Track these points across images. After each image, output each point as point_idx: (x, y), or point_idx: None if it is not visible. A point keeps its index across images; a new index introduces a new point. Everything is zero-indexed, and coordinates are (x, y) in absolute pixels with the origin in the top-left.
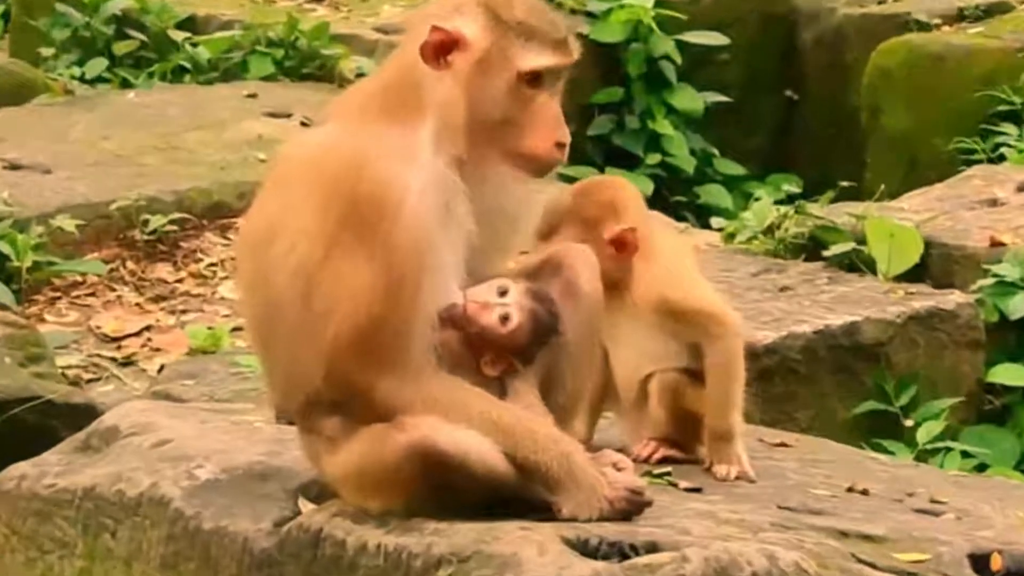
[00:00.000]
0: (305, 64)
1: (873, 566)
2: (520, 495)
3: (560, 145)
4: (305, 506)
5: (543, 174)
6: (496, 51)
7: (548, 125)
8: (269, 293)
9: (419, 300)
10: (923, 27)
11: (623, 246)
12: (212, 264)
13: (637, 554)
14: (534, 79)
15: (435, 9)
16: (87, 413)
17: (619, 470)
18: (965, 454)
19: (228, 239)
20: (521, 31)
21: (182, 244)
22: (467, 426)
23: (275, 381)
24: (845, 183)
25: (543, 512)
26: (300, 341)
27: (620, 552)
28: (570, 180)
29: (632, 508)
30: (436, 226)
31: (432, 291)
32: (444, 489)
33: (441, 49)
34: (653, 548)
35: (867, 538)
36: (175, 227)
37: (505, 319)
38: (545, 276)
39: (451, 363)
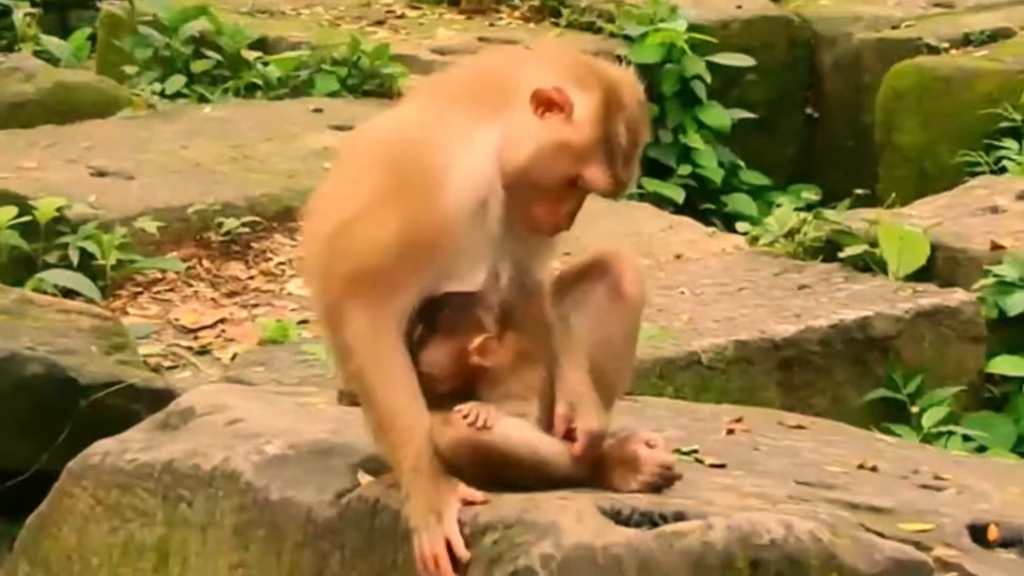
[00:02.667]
0: (366, 82)
1: (881, 535)
2: (570, 481)
3: (558, 229)
4: (364, 479)
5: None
6: (580, 143)
7: (560, 214)
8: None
9: (425, 267)
10: (933, 51)
11: None
12: (281, 263)
13: (666, 523)
14: (582, 185)
15: (563, 58)
16: (166, 397)
17: (651, 447)
18: (966, 438)
19: (295, 240)
20: (611, 147)
21: (253, 245)
22: (369, 398)
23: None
24: (860, 192)
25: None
26: None
27: (651, 521)
28: None
29: (662, 482)
30: (469, 210)
31: (441, 266)
32: (493, 476)
33: (548, 104)
34: (681, 517)
35: (875, 510)
36: (247, 229)
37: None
38: (592, 278)
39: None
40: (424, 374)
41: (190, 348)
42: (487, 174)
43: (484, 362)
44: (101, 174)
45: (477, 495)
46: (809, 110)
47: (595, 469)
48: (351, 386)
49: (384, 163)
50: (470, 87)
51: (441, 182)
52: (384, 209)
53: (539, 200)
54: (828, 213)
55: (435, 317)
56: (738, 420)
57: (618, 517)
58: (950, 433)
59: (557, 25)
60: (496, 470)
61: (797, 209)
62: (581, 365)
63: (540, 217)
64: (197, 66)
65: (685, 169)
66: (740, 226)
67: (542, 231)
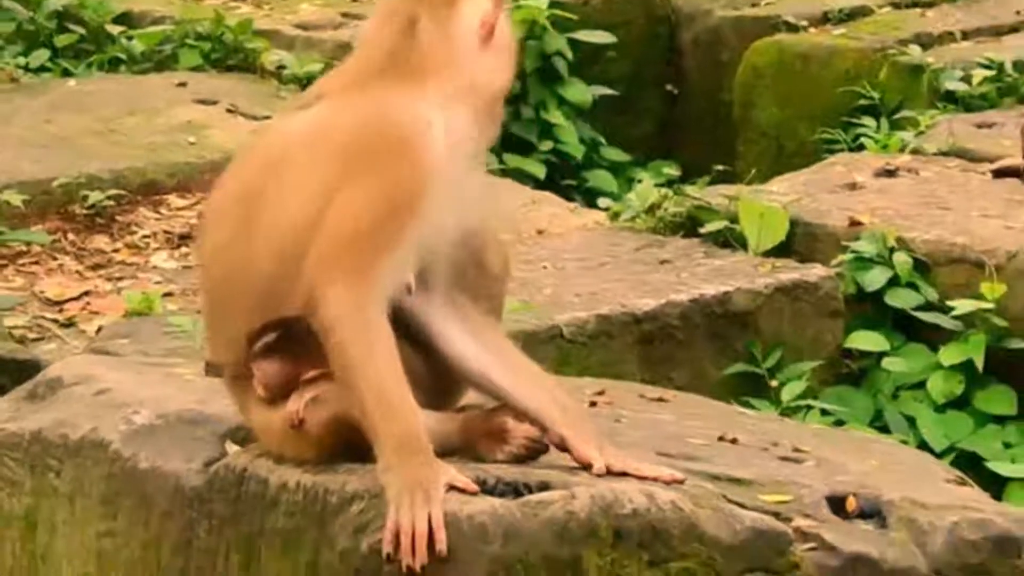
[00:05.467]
0: (230, 56)
1: (742, 506)
2: (436, 450)
3: None
4: (231, 448)
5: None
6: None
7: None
8: (244, 255)
9: (406, 230)
10: (792, 28)
11: None
12: (145, 236)
13: (531, 492)
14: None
15: None
16: (31, 368)
17: (519, 420)
18: (824, 412)
19: (160, 213)
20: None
21: (118, 218)
22: (355, 370)
23: (217, 340)
24: (719, 168)
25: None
26: (262, 299)
27: (515, 491)
28: None
29: (529, 454)
30: (444, 167)
31: (422, 228)
32: (363, 450)
33: (490, 31)
34: (545, 487)
35: (736, 481)
36: (112, 202)
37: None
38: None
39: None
40: (251, 379)
41: (55, 320)
42: (453, 126)
43: (312, 392)
44: None
45: (469, 484)
46: (669, 87)
47: (462, 439)
48: (332, 361)
49: (346, 145)
50: (384, 70)
51: (419, 144)
52: (361, 184)
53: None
54: (688, 189)
55: (289, 331)
56: (600, 393)
57: (483, 486)
58: (808, 407)
59: None
60: (364, 443)
61: (658, 185)
62: (543, 378)
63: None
64: (61, 40)
65: (546, 145)
66: (601, 202)
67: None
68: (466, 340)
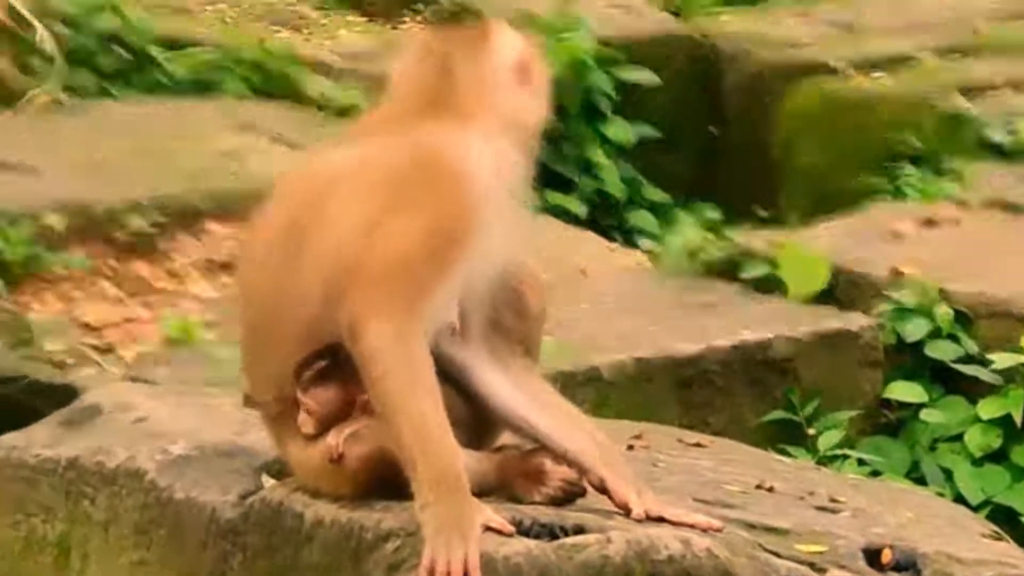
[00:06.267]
0: (273, 83)
1: (777, 555)
2: (473, 490)
3: None
4: (268, 482)
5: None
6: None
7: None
8: (288, 287)
9: (452, 264)
10: (834, 72)
11: None
12: (186, 263)
13: (566, 535)
14: None
15: (465, 37)
16: (69, 393)
17: (556, 463)
18: (861, 462)
19: (201, 241)
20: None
21: (159, 244)
22: (395, 404)
23: (257, 374)
24: (761, 212)
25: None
26: (307, 331)
27: (551, 533)
28: None
29: (566, 496)
30: (492, 205)
31: (467, 263)
32: (400, 487)
33: (524, 71)
34: (580, 530)
35: (772, 530)
36: (153, 228)
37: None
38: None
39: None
40: (303, 404)
41: (94, 346)
42: (496, 162)
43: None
44: (6, 168)
45: (506, 525)
46: (711, 128)
47: (499, 479)
48: (372, 394)
49: (392, 179)
50: (422, 110)
51: (464, 179)
52: (408, 215)
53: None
54: (730, 233)
55: (337, 358)
56: (637, 436)
57: (519, 528)
58: (845, 456)
59: None
60: (400, 481)
61: (699, 227)
62: (583, 420)
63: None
64: (105, 63)
65: (588, 184)
66: (642, 243)
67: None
68: (504, 383)
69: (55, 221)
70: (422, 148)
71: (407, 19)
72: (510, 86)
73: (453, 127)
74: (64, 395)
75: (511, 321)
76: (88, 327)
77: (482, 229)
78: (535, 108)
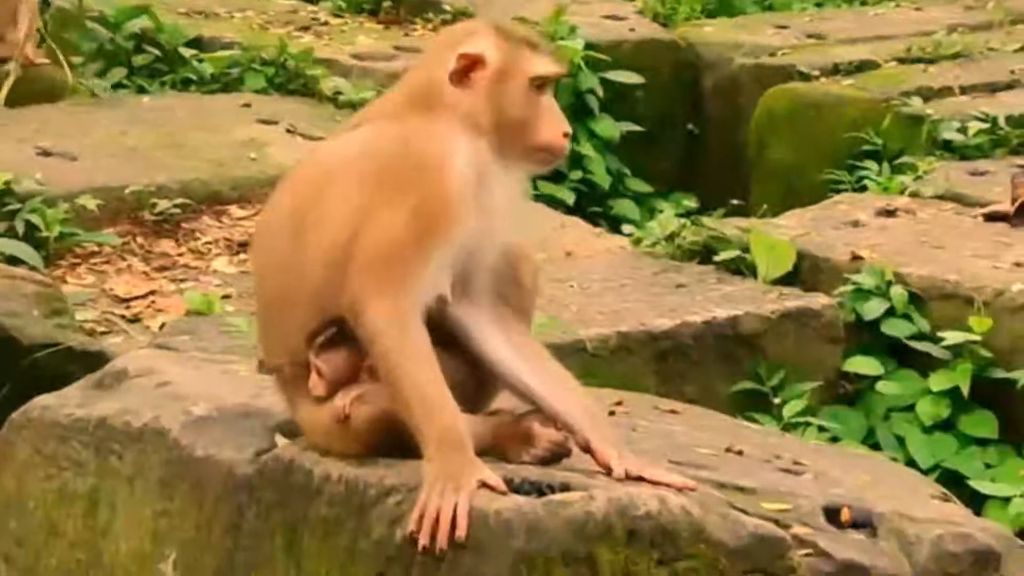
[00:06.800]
0: (292, 81)
1: (745, 512)
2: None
3: (566, 134)
4: (280, 441)
5: (555, 162)
6: (510, 63)
7: (556, 119)
8: (295, 265)
9: (440, 247)
10: (805, 77)
11: None
12: (208, 242)
13: (553, 492)
14: (541, 84)
15: (451, 37)
16: (99, 359)
17: (544, 426)
18: (822, 428)
19: (222, 222)
20: (527, 45)
21: (183, 225)
22: (397, 375)
23: (271, 342)
24: (735, 202)
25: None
26: (314, 304)
27: (538, 490)
28: None
29: (553, 457)
30: (470, 189)
31: (453, 246)
32: (403, 447)
33: (466, 71)
34: (566, 488)
35: (741, 490)
36: (178, 210)
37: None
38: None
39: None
40: (315, 367)
41: (123, 316)
42: (475, 151)
43: (358, 390)
44: (47, 154)
45: (500, 484)
46: (690, 126)
47: (492, 441)
48: (376, 366)
49: (381, 171)
50: (411, 103)
51: (443, 168)
52: (394, 205)
53: (532, 129)
54: (705, 220)
55: (346, 325)
56: (618, 403)
57: (510, 485)
58: (807, 424)
59: None
60: (404, 440)
61: (677, 215)
62: (574, 385)
63: (549, 136)
64: (138, 60)
65: (576, 174)
66: (625, 228)
67: (561, 145)
68: (506, 346)
69: (89, 202)
70: (406, 139)
71: (418, 25)
72: (452, 90)
73: (439, 120)
74: (95, 361)
75: (509, 292)
76: (118, 299)
77: (463, 213)
78: (488, 111)
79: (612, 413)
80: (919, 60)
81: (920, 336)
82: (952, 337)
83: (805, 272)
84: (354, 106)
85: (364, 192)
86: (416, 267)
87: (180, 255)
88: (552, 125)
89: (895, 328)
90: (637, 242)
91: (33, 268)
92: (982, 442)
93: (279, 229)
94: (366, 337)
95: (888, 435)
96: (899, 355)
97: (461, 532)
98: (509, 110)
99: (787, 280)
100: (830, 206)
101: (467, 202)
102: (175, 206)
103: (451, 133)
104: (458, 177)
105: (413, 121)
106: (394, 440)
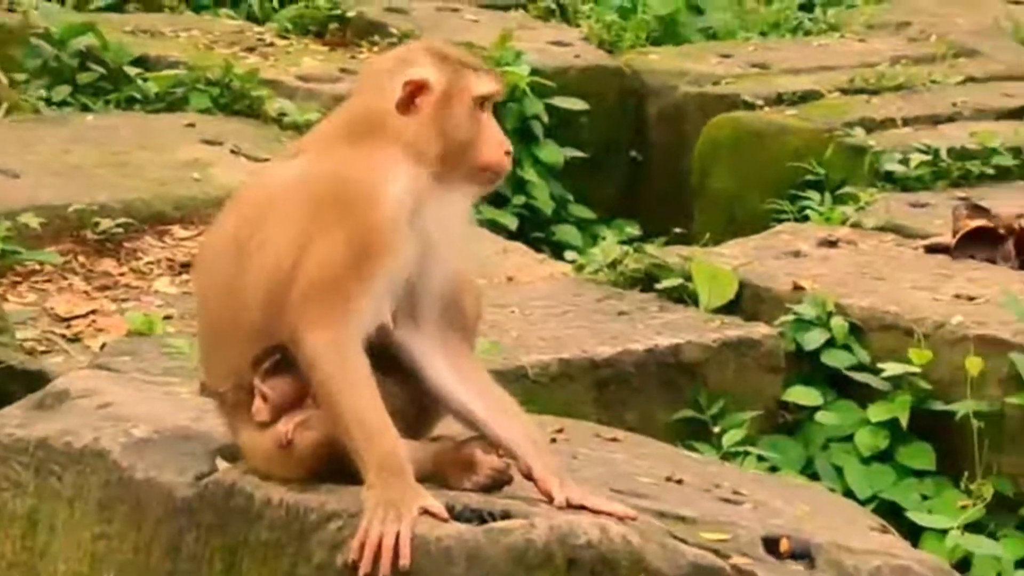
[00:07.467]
0: (237, 102)
1: (685, 542)
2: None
3: (508, 152)
4: (221, 465)
5: (497, 182)
6: (452, 85)
7: (497, 138)
8: (238, 290)
9: (377, 276)
10: (749, 107)
11: None
12: (150, 262)
13: (494, 520)
14: (483, 102)
15: (389, 64)
16: (40, 379)
17: (486, 453)
18: (761, 458)
19: (164, 243)
20: (467, 66)
21: (126, 244)
22: (338, 403)
23: (213, 365)
24: (677, 230)
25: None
26: (258, 329)
27: (480, 518)
28: None
29: (494, 484)
30: (405, 221)
31: (390, 274)
32: (345, 472)
33: (411, 98)
34: (507, 516)
35: (681, 519)
36: (120, 230)
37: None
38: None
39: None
40: (260, 392)
41: (63, 335)
42: (411, 182)
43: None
44: None
45: (442, 511)
46: (634, 153)
47: (433, 467)
48: (317, 394)
49: (317, 201)
50: (351, 132)
51: (376, 198)
52: (330, 235)
53: (474, 149)
54: (648, 248)
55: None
56: (559, 431)
57: (451, 512)
58: (746, 453)
59: None
60: (348, 466)
61: (620, 242)
62: (517, 412)
63: (490, 155)
64: (82, 78)
65: (519, 199)
66: (567, 254)
67: (503, 163)
68: (449, 372)
69: (32, 220)
70: (341, 169)
71: (364, 48)
72: (397, 116)
73: (375, 149)
74: (35, 380)
75: (452, 317)
76: (58, 318)
77: (400, 243)
78: (432, 138)
79: (553, 440)
80: (862, 91)
81: (860, 367)
82: (892, 368)
83: (746, 301)
84: (299, 128)
85: (304, 220)
86: (354, 296)
87: (122, 275)
88: (494, 144)
89: (835, 359)
90: (579, 268)
91: None
92: (920, 474)
93: (222, 252)
94: (306, 364)
95: (826, 465)
96: (839, 386)
97: (404, 561)
98: (453, 132)
99: (728, 309)
100: (772, 236)
101: (402, 231)
102: (117, 225)
103: (390, 161)
104: (393, 206)
105: (351, 150)
106: (336, 466)
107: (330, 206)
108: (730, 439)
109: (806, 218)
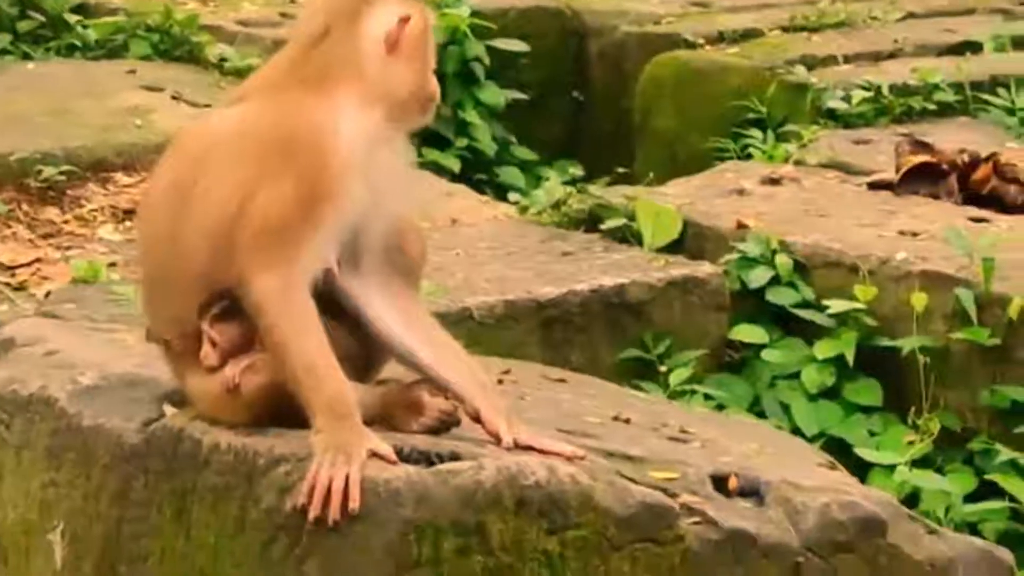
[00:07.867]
0: (177, 48)
1: (633, 481)
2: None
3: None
4: (169, 410)
5: (432, 111)
6: (427, 20)
7: (432, 67)
8: (181, 237)
9: (326, 220)
10: (690, 45)
11: None
12: (93, 209)
13: (442, 461)
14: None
15: (346, 4)
16: None
17: (433, 396)
18: (707, 396)
19: (107, 190)
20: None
21: (69, 192)
22: (285, 347)
23: (158, 312)
24: (620, 170)
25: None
26: (203, 275)
27: (427, 459)
28: None
29: (442, 426)
30: (359, 161)
31: (340, 217)
32: (292, 416)
33: (395, 39)
34: (455, 458)
35: (629, 458)
36: (63, 177)
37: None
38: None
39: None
40: (209, 337)
41: (7, 284)
42: (364, 126)
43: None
44: None
45: (391, 454)
46: (576, 94)
47: (381, 410)
48: (265, 339)
49: (266, 145)
50: (301, 74)
51: (330, 142)
52: (280, 180)
53: (428, 79)
54: (591, 188)
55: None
56: (506, 372)
57: (399, 454)
58: (693, 392)
59: None
60: (294, 410)
61: (563, 183)
62: (463, 354)
63: (434, 85)
64: (22, 26)
65: (462, 142)
66: (511, 196)
67: (437, 92)
68: (395, 317)
69: None
70: (288, 115)
71: None
72: (379, 56)
73: (322, 94)
74: None
75: (396, 261)
76: (2, 266)
77: (348, 188)
78: (406, 78)
79: (500, 382)
80: (803, 29)
81: (805, 304)
82: (837, 305)
83: (690, 240)
84: (240, 73)
85: (251, 165)
86: (302, 240)
87: (65, 222)
88: (432, 74)
89: (780, 296)
90: (523, 210)
91: None
92: (867, 410)
93: (165, 200)
94: (253, 309)
95: (773, 403)
96: (784, 323)
97: (354, 503)
98: (420, 67)
99: (673, 248)
100: (715, 174)
101: (354, 175)
102: (60, 173)
103: (345, 103)
104: (346, 150)
105: (295, 96)
106: (284, 410)
107: (280, 150)
108: (677, 378)
109: (749, 156)
